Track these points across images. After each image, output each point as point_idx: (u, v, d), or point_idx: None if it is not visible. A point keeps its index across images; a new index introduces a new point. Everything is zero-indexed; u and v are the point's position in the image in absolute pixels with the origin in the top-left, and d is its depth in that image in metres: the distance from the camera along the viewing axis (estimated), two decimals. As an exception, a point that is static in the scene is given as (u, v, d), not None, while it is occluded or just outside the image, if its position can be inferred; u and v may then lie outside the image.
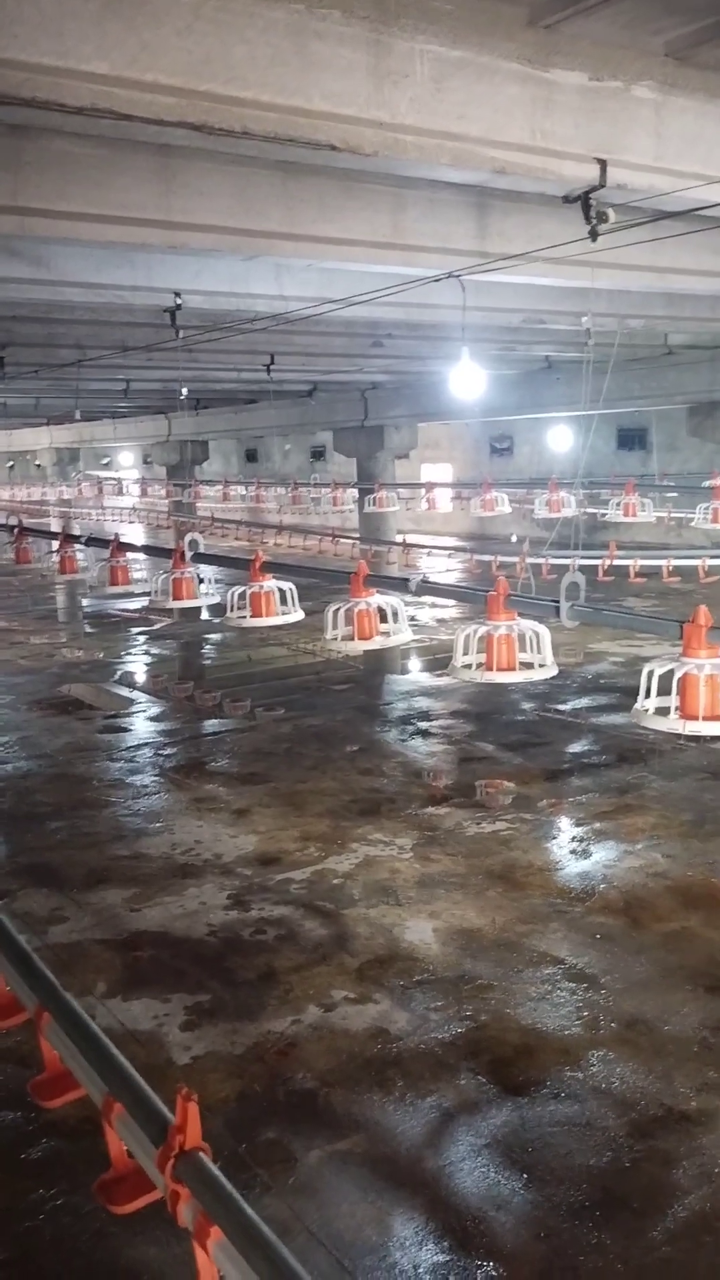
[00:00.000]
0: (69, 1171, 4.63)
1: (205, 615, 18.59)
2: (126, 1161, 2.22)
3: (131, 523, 27.95)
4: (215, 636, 18.47)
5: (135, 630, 19.13)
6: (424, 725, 12.06)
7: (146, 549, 11.20)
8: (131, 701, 13.68)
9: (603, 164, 5.39)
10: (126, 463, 46.52)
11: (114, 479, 38.65)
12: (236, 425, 23.47)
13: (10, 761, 11.02)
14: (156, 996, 6.16)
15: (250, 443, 40.31)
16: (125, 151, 6.26)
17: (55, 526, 22.65)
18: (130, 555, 10.41)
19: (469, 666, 6.29)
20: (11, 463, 47.82)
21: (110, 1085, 2.27)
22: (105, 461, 47.25)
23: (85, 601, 22.30)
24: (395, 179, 6.79)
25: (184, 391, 14.31)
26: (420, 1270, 4.06)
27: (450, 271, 7.44)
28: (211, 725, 12.51)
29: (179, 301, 8.66)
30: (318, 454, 37.28)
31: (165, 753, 11.34)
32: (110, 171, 6.26)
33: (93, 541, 11.59)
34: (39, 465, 34.63)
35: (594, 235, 5.49)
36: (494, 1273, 4.04)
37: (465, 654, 6.25)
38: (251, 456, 41.43)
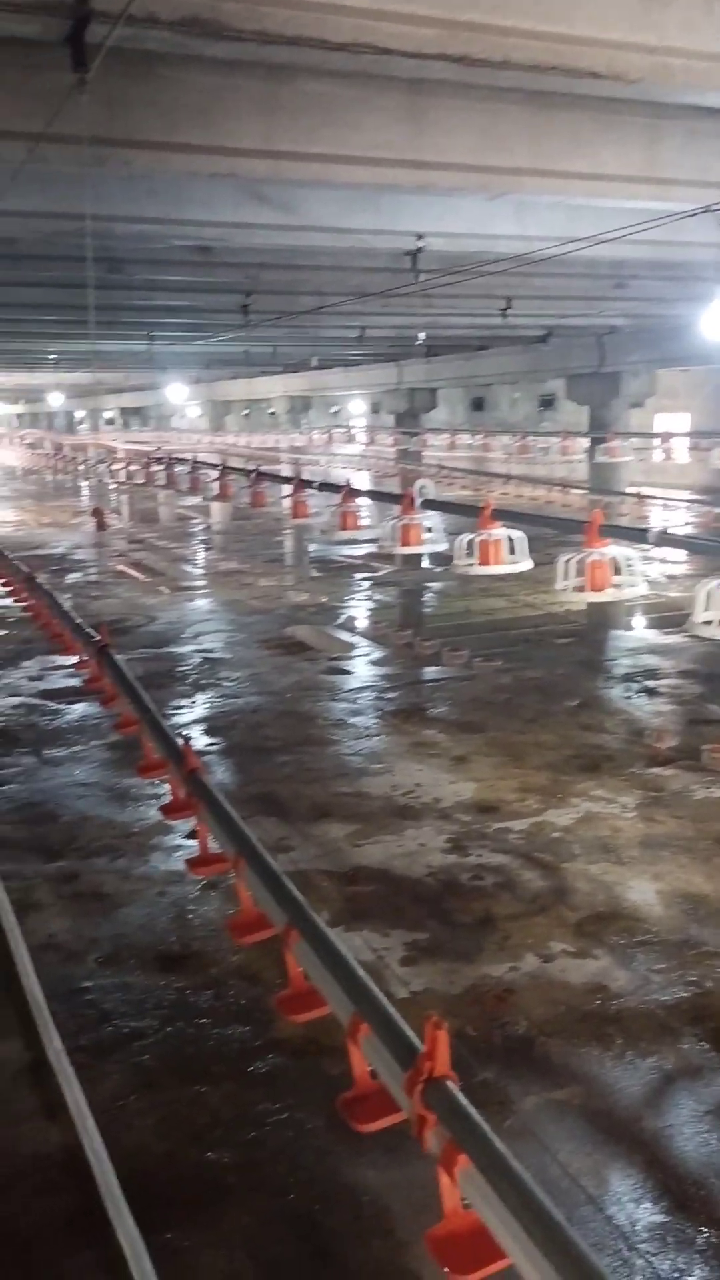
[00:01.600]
0: (293, 1088, 4.83)
1: (427, 563, 18.66)
2: (369, 1082, 2.28)
3: (359, 470, 28.34)
4: (437, 584, 18.53)
5: (359, 576, 19.43)
6: (650, 683, 11.71)
7: (377, 495, 11.31)
8: (353, 646, 13.94)
9: None
10: (355, 411, 47.10)
11: (343, 427, 39.29)
12: (466, 373, 23.22)
13: (242, 696, 11.48)
14: (377, 930, 6.30)
15: (478, 391, 39.91)
16: (376, 90, 6.23)
17: (287, 472, 23.26)
18: (359, 503, 10.54)
19: (709, 623, 6.03)
20: (247, 411, 49.38)
21: (357, 1006, 2.32)
22: (335, 410, 48.01)
23: (312, 546, 22.83)
24: (652, 108, 6.48)
25: (421, 337, 14.25)
26: (637, 1227, 4.01)
27: (708, 205, 7.05)
28: (431, 672, 12.59)
29: (421, 244, 8.59)
30: (546, 402, 36.52)
31: (386, 697, 11.52)
32: (361, 111, 6.25)
33: (325, 486, 11.80)
34: (272, 413, 35.60)
35: None
36: (715, 1240, 3.95)
37: (706, 610, 5.99)
38: (478, 405, 41.07)
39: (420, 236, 8.60)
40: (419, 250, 8.87)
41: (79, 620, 6.48)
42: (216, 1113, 4.74)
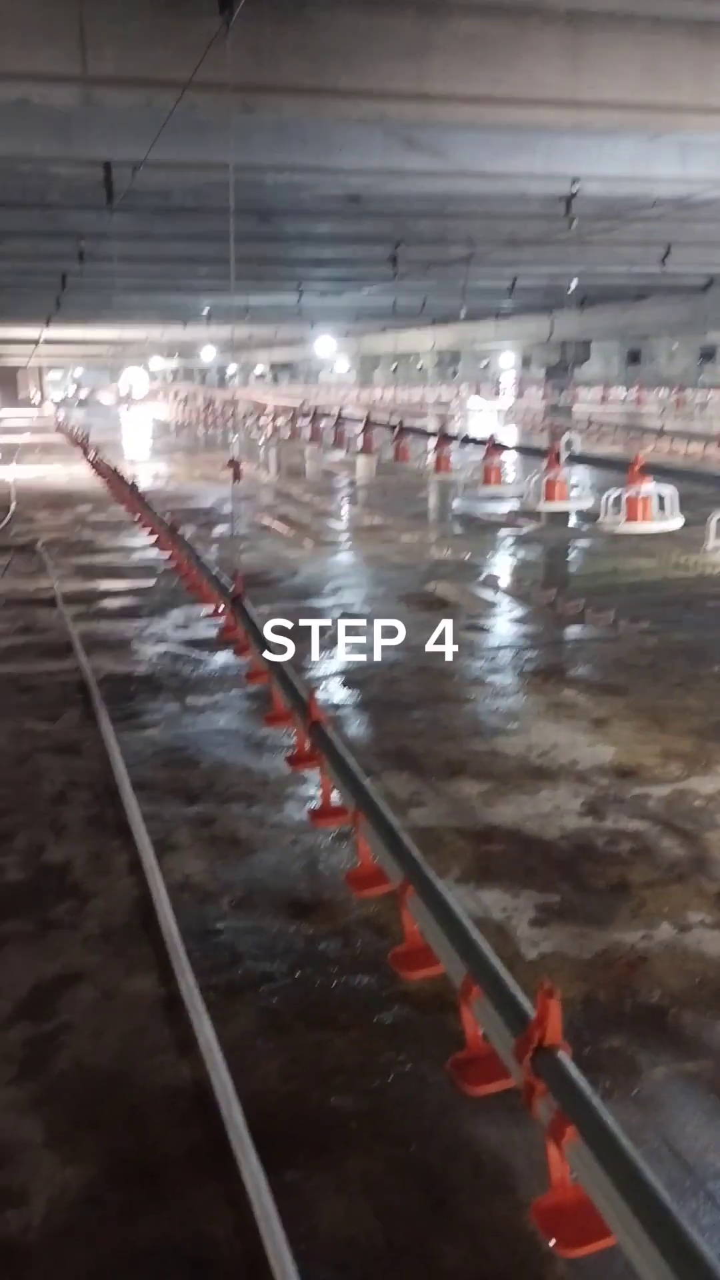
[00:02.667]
0: (417, 1040, 4.85)
1: (573, 521, 18.24)
2: (481, 1045, 2.25)
3: (507, 424, 27.84)
4: (583, 543, 18.10)
5: (502, 532, 19.16)
6: None
7: (522, 449, 11.10)
8: (494, 604, 13.79)
9: None
10: (505, 364, 46.28)
11: (491, 381, 38.70)
12: (622, 324, 22.44)
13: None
14: (507, 890, 6.25)
15: (634, 343, 38.67)
16: (532, 28, 5.99)
17: (433, 426, 23.02)
18: (503, 457, 10.35)
19: None
20: (395, 365, 49.17)
21: (470, 968, 2.29)
22: (484, 364, 47.28)
23: (455, 501, 22.62)
24: None
25: (574, 283, 13.83)
26: (766, 1209, 3.88)
27: None
28: (573, 633, 12.35)
29: (576, 189, 8.29)
30: (708, 355, 35.10)
31: (525, 656, 11.36)
32: (516, 50, 6.03)
33: (468, 441, 11.64)
34: (420, 367, 35.32)
35: None
36: None
37: None
38: (634, 358, 39.79)
39: (575, 180, 8.30)
40: (574, 195, 8.57)
41: (215, 571, 6.57)
42: (341, 1059, 4.80)
